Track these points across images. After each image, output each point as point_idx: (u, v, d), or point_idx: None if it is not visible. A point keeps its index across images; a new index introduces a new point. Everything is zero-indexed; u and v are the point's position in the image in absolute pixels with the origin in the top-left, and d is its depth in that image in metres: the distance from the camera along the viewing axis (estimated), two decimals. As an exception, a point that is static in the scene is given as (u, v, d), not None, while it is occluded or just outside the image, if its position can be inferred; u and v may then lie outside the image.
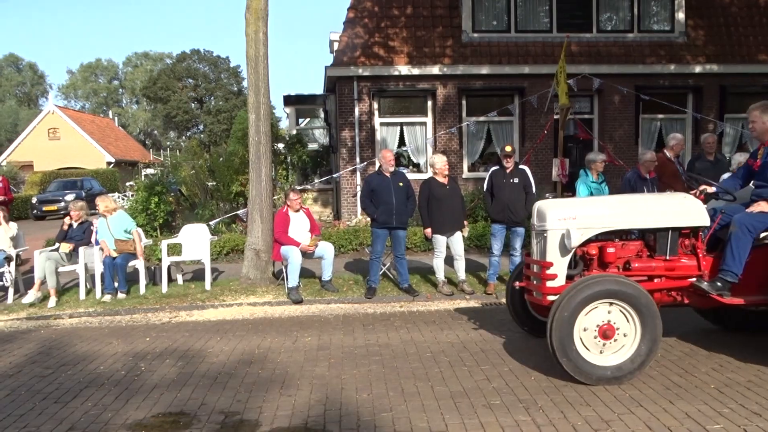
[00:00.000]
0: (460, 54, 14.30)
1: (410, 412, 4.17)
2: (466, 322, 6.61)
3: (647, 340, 4.51)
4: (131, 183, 28.77)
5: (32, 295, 8.03)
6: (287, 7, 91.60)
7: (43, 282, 8.11)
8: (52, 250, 8.41)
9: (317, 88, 57.40)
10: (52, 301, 7.92)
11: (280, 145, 17.62)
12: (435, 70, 14.09)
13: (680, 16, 14.75)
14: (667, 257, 4.94)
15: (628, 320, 4.56)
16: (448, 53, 14.30)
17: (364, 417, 4.12)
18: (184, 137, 61.30)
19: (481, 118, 14.39)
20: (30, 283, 8.42)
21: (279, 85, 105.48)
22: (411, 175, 11.84)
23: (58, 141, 38.19)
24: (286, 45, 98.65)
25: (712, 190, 5.25)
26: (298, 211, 8.24)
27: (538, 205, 5.24)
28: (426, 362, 5.23)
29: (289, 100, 19.59)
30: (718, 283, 4.81)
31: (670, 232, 4.92)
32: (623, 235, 5.16)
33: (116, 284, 8.13)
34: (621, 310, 4.56)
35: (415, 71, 14.11)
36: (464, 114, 14.54)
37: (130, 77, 69.64)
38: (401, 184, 7.89)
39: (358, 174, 14.19)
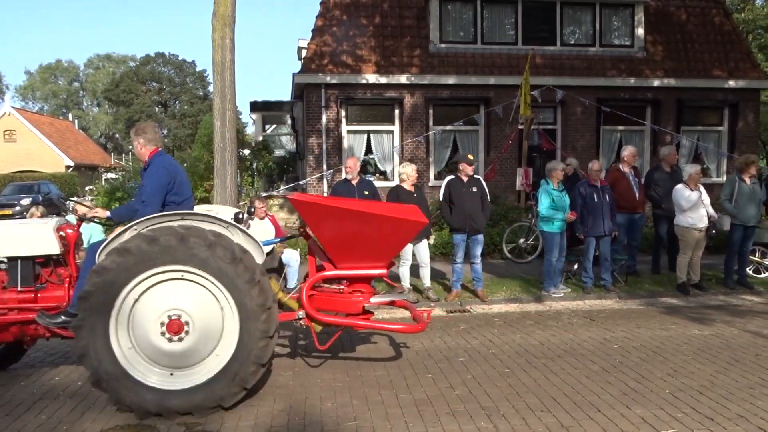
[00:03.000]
0: (427, 64, 14.46)
1: (374, 420, 4.17)
2: (431, 329, 6.63)
3: None
4: (91, 187, 28.05)
5: (-16, 303, 7.73)
6: (255, 13, 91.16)
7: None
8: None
9: (284, 94, 57.22)
10: (6, 309, 7.64)
11: (246, 152, 17.45)
12: (403, 79, 14.21)
13: (640, 31, 15.26)
14: (20, 288, 4.58)
15: None
16: (415, 63, 14.45)
17: (327, 426, 4.10)
18: (147, 141, 59.99)
19: (448, 127, 14.56)
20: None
21: (246, 91, 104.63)
22: (377, 183, 11.87)
23: (15, 143, 36.96)
24: (254, 51, 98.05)
25: (97, 214, 4.89)
26: (263, 218, 8.17)
27: None
28: (390, 370, 5.24)
29: (255, 107, 19.40)
30: (62, 317, 4.38)
31: (19, 261, 4.59)
32: None
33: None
34: None
35: (383, 80, 14.19)
36: (431, 123, 14.68)
37: (91, 79, 67.91)
38: (367, 193, 7.90)
39: (325, 181, 14.17)
